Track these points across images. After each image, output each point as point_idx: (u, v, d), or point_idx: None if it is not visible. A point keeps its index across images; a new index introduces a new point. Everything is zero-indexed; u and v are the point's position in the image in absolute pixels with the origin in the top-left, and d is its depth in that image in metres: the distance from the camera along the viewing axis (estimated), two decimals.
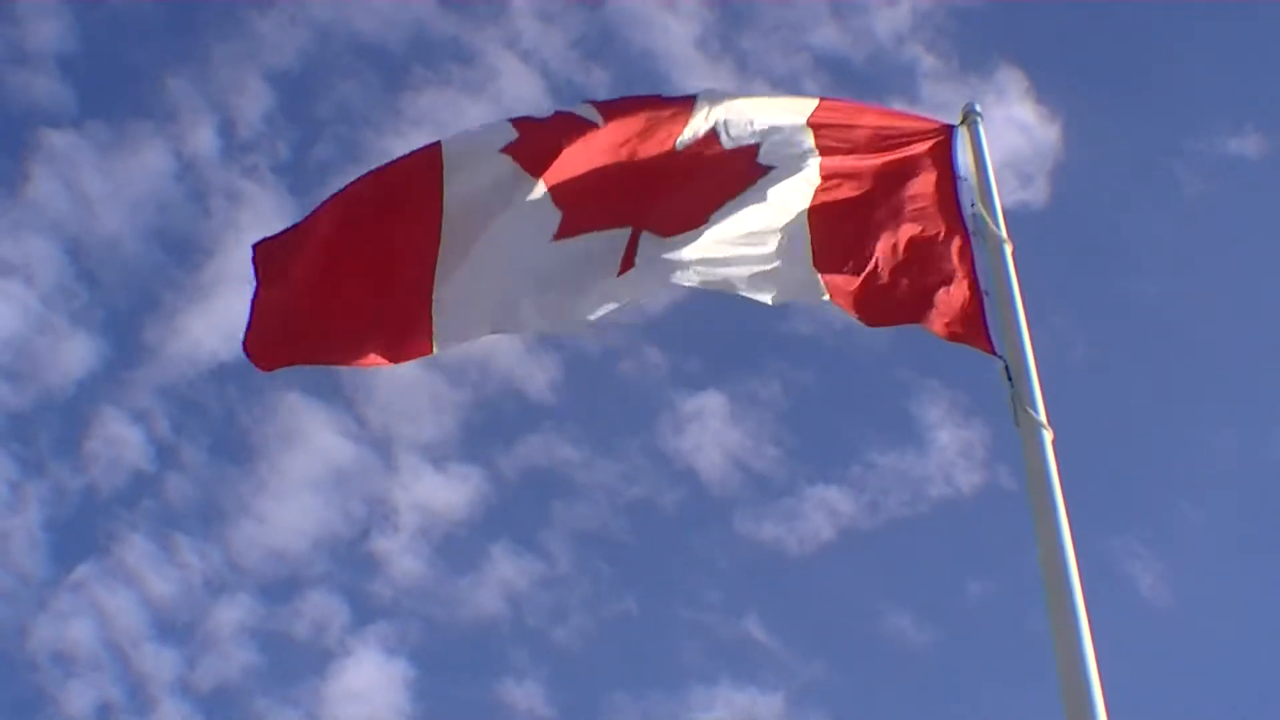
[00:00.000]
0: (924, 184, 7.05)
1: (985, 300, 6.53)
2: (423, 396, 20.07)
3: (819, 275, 6.54)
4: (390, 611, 19.39)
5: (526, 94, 20.33)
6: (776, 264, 6.54)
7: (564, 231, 6.58)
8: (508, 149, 6.76)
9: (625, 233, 6.53)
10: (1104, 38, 20.44)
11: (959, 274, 6.64)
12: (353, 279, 6.62)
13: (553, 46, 20.54)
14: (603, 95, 20.09)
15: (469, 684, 19.25)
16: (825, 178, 6.94)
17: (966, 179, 7.09)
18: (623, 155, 6.85)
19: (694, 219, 6.52)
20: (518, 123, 6.88)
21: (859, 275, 6.57)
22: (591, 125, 6.84)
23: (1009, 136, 18.69)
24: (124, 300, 20.44)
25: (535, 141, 6.78)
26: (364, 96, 21.06)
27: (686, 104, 7.03)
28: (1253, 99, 19.88)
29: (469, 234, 6.59)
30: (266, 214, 19.93)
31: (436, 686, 19.01)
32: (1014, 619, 17.60)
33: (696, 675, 18.85)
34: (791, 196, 6.79)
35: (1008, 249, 6.73)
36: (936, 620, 18.77)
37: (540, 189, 6.65)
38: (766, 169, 6.84)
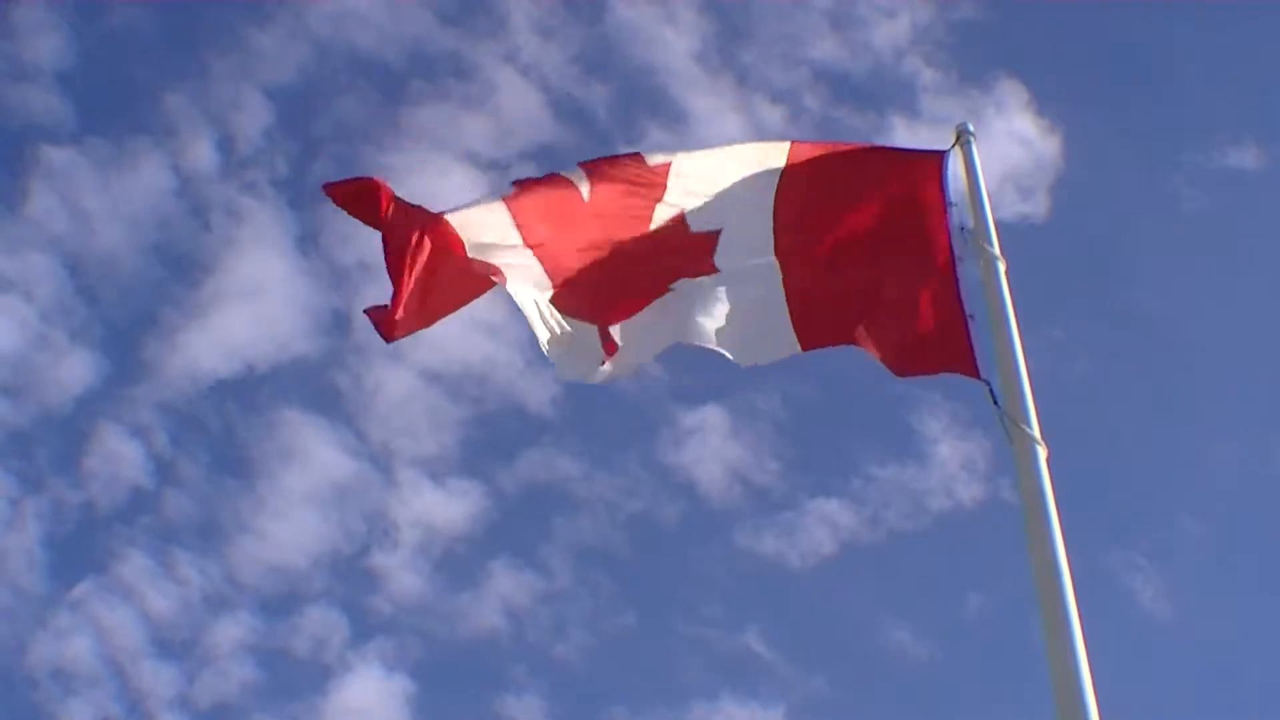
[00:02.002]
0: (905, 219, 7.19)
1: (971, 323, 6.63)
2: (422, 412, 20.08)
3: (794, 332, 7.14)
4: (390, 627, 19.39)
5: (526, 108, 20.37)
6: (749, 330, 7.13)
7: (557, 304, 7.08)
8: (505, 199, 7.15)
9: (593, 328, 7.09)
10: (1103, 50, 20.50)
11: (942, 303, 6.75)
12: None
13: (552, 61, 20.58)
14: (602, 109, 20.13)
15: (469, 699, 19.25)
16: (787, 260, 7.30)
17: (958, 202, 7.14)
18: (600, 233, 7.29)
19: (651, 292, 7.17)
20: (516, 181, 7.31)
21: (841, 319, 7.01)
22: (576, 193, 7.28)
23: (1009, 149, 18.72)
24: (123, 316, 20.46)
25: (529, 201, 7.20)
26: (363, 111, 21.10)
27: (662, 173, 7.45)
28: (1251, 111, 19.94)
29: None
30: (266, 229, 19.97)
31: (436, 702, 19.00)
32: (1013, 632, 17.60)
33: (697, 689, 18.86)
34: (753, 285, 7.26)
35: (1001, 266, 6.76)
36: (936, 634, 18.78)
37: (530, 257, 7.11)
38: (717, 270, 7.26)
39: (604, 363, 7.04)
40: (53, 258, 19.78)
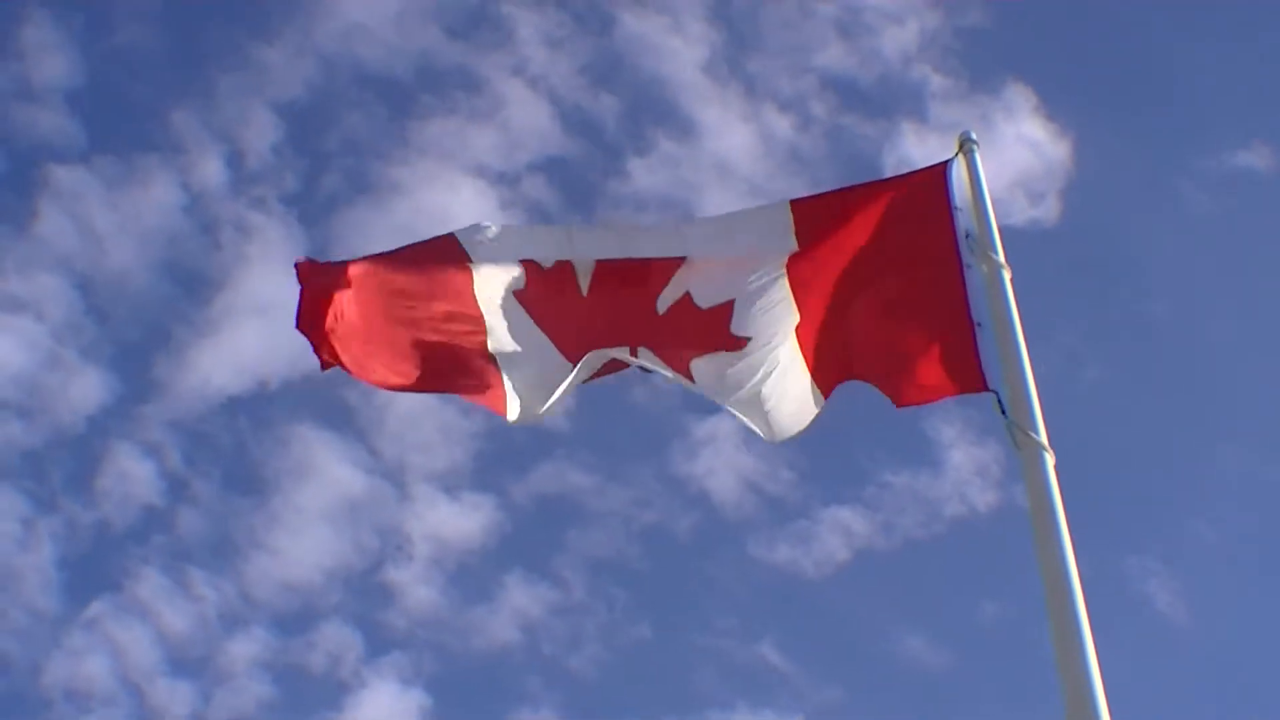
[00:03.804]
0: (912, 234, 7.12)
1: (979, 332, 6.61)
2: (434, 426, 20.06)
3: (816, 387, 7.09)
4: (405, 642, 19.37)
5: (534, 120, 20.38)
6: (776, 401, 7.03)
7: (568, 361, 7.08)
8: (519, 295, 7.19)
9: (623, 349, 7.11)
10: (1111, 53, 20.48)
11: (950, 316, 6.73)
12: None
13: (560, 73, 20.59)
14: (611, 120, 20.12)
15: (484, 713, 19.24)
16: (801, 274, 7.21)
17: (964, 209, 7.09)
18: (604, 319, 7.24)
19: (680, 367, 7.06)
20: (526, 264, 7.25)
21: (862, 360, 7.01)
22: (576, 291, 7.25)
23: (1019, 154, 18.71)
24: (134, 334, 20.49)
25: (539, 293, 7.22)
26: (371, 126, 21.13)
27: (673, 264, 7.33)
28: (1259, 112, 19.91)
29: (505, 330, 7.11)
30: (276, 245, 19.97)
31: (452, 716, 18.99)
32: (1028, 639, 17.54)
33: (713, 700, 18.82)
34: (774, 351, 7.13)
35: (1006, 274, 6.73)
36: (951, 642, 18.74)
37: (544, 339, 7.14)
38: (743, 340, 7.14)
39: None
40: (63, 277, 19.83)
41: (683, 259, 7.32)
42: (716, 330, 7.16)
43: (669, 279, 7.28)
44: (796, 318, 7.16)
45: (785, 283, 7.22)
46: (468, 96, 20.88)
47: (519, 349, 7.01)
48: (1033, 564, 5.69)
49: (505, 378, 6.92)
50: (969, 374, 6.53)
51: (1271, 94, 20.10)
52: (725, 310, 7.20)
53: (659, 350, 7.07)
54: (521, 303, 7.14)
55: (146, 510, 19.58)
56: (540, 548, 19.96)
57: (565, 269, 7.28)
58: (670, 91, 20.50)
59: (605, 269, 7.31)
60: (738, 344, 7.11)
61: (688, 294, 7.27)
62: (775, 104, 20.63)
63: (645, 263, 7.34)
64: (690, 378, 7.02)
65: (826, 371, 7.10)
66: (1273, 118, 19.69)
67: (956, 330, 6.66)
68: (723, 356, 7.07)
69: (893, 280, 7.07)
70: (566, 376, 6.87)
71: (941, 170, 7.24)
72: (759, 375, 7.02)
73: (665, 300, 7.26)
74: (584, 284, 7.27)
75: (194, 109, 20.83)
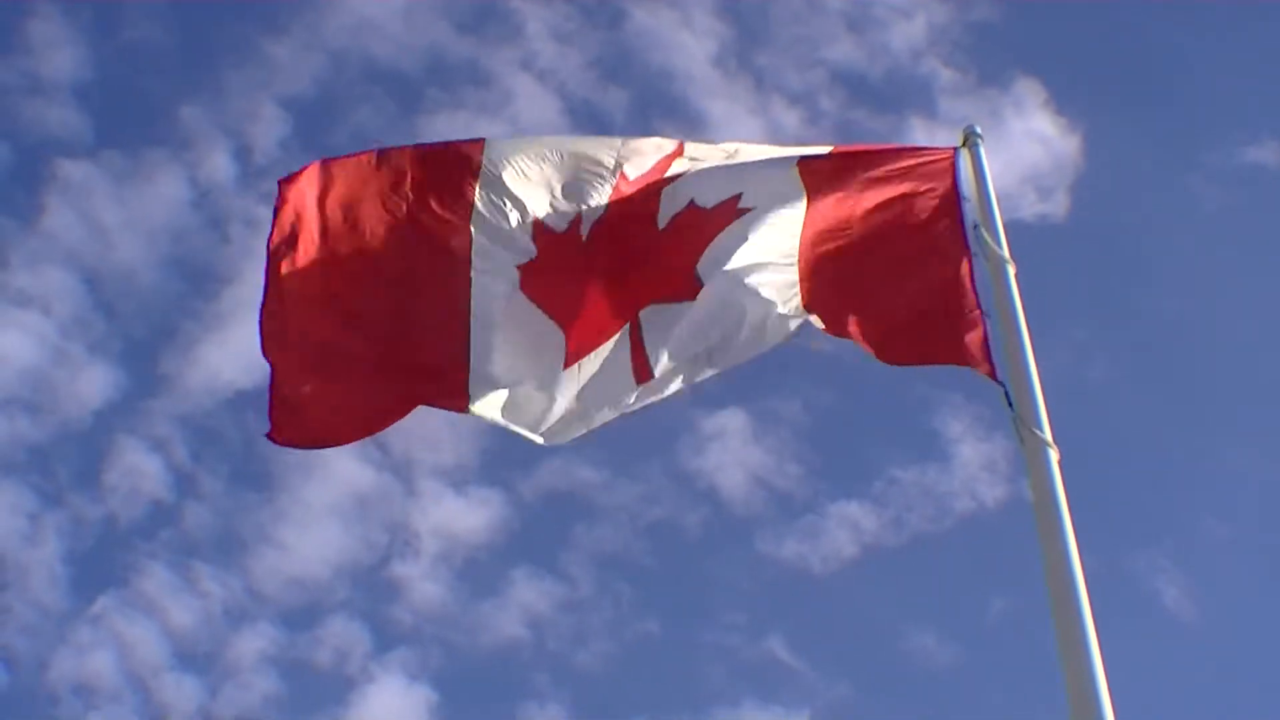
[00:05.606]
0: (923, 214, 7.03)
1: (987, 322, 6.53)
2: (442, 421, 19.92)
3: (809, 314, 6.79)
4: (412, 637, 19.37)
5: (543, 114, 20.35)
6: (767, 311, 6.77)
7: (571, 359, 6.99)
8: (520, 267, 6.99)
9: (624, 331, 6.92)
10: (1121, 48, 20.44)
11: (961, 300, 6.64)
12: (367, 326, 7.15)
13: (569, 67, 20.56)
14: (620, 115, 20.10)
15: (491, 709, 19.22)
16: (813, 218, 7.04)
17: (970, 199, 7.05)
18: (606, 247, 7.04)
19: (684, 284, 6.81)
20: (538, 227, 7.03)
21: (858, 316, 6.75)
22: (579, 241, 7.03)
23: (1028, 149, 18.66)
24: (142, 330, 20.50)
25: (544, 264, 6.99)
26: (380, 121, 21.09)
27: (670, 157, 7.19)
28: (1268, 108, 19.86)
29: (492, 316, 6.92)
30: None
31: (459, 712, 18.98)
32: (1037, 635, 17.45)
33: (720, 696, 18.79)
34: (776, 235, 6.94)
35: (1010, 269, 6.70)
36: (960, 638, 18.71)
37: (541, 315, 6.97)
38: (747, 209, 6.98)
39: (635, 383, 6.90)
40: (70, 272, 19.83)
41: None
42: (724, 217, 6.94)
43: (665, 185, 7.09)
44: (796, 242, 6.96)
45: (803, 203, 7.07)
46: (476, 90, 20.88)
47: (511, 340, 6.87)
48: (1041, 558, 5.67)
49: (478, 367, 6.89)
50: (981, 357, 6.40)
51: (1279, 89, 20.07)
52: (731, 203, 7.02)
53: (661, 288, 6.87)
54: (524, 287, 6.94)
55: (153, 505, 19.61)
56: (547, 543, 19.96)
57: (575, 226, 7.07)
58: (679, 85, 20.49)
59: (613, 210, 7.11)
60: (741, 212, 6.95)
61: (691, 201, 7.09)
62: (784, 98, 20.62)
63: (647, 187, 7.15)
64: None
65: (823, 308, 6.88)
66: None
67: (967, 316, 6.58)
68: (725, 240, 6.85)
69: (904, 249, 6.94)
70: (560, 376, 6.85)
71: (950, 156, 7.19)
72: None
73: (665, 214, 7.09)
74: (586, 230, 7.07)
75: (202, 104, 20.85)
